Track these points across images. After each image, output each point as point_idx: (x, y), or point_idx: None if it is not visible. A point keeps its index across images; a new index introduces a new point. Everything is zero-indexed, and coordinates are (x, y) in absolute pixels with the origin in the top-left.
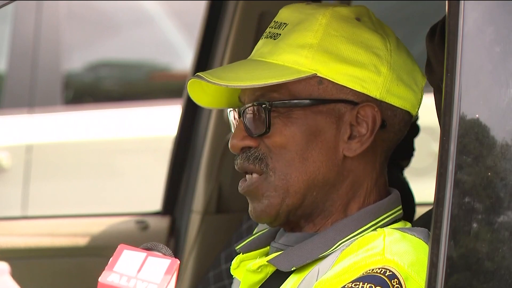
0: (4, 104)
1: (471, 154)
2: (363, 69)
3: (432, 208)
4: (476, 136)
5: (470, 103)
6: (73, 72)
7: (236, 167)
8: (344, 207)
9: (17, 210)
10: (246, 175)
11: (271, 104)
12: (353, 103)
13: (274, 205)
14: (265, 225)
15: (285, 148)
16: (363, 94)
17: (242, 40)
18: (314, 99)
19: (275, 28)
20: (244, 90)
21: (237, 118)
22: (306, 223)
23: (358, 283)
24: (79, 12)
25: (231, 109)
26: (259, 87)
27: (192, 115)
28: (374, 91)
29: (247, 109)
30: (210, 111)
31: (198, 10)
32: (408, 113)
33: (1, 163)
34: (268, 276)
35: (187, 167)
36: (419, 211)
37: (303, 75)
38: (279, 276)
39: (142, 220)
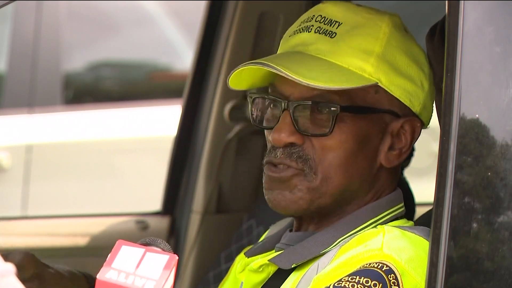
0: (4, 104)
1: (471, 154)
2: (412, 83)
3: (432, 208)
4: (476, 136)
5: (470, 103)
6: (73, 72)
7: (273, 160)
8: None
9: (17, 210)
10: (280, 165)
11: (342, 108)
12: (397, 115)
13: (307, 200)
14: (272, 232)
15: (335, 152)
16: (407, 107)
17: (242, 40)
18: (369, 107)
19: (324, 24)
20: (294, 83)
21: (280, 111)
22: (318, 221)
23: (354, 276)
24: (79, 12)
25: (259, 96)
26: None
27: (192, 115)
28: (417, 106)
29: (301, 105)
30: (210, 111)
31: (198, 10)
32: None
33: (1, 163)
34: (270, 276)
35: (187, 167)
36: (419, 211)
37: (368, 83)
38: (281, 275)
39: (142, 220)
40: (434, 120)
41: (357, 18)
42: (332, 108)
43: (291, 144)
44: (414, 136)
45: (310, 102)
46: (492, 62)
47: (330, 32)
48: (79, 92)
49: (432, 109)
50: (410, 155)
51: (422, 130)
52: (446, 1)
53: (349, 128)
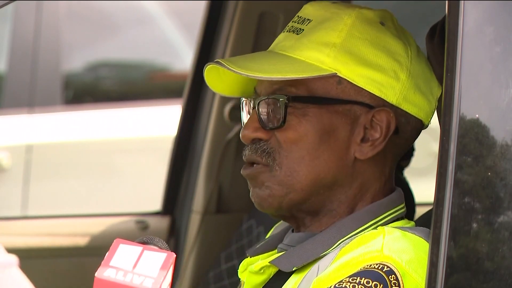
0: (4, 104)
1: (471, 154)
2: (382, 73)
3: (432, 208)
4: (476, 136)
5: (470, 103)
6: (73, 72)
7: (243, 158)
8: (351, 209)
9: (17, 210)
10: (249, 163)
11: (289, 99)
12: (369, 106)
13: (276, 196)
14: (277, 229)
15: (297, 144)
16: (380, 98)
17: (242, 40)
18: (332, 98)
19: (298, 23)
20: (261, 82)
21: (251, 109)
22: (311, 222)
23: (355, 277)
24: (79, 12)
25: (245, 99)
26: (278, 81)
27: (192, 115)
28: (391, 97)
29: (262, 101)
30: (210, 111)
31: (198, 10)
32: (420, 121)
33: (1, 163)
34: (270, 277)
35: (187, 167)
36: (419, 211)
37: (323, 73)
38: (281, 276)
39: (142, 220)
40: (434, 120)
41: (325, 14)
42: (280, 99)
43: (258, 140)
44: (390, 127)
45: (266, 97)
46: (492, 62)
47: (298, 29)
48: (79, 92)
49: (427, 104)
50: (410, 155)
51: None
52: (446, 1)
53: (311, 121)
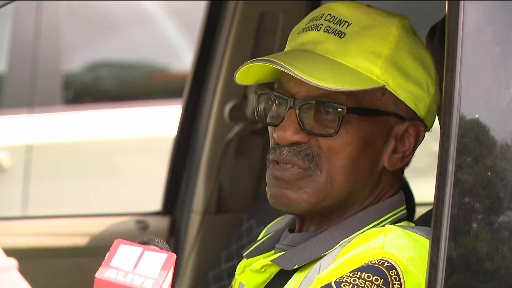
0: (4, 104)
1: (471, 154)
2: (419, 87)
3: (432, 208)
4: (476, 136)
5: (470, 103)
6: (73, 72)
7: (279, 157)
8: (360, 211)
9: (17, 210)
10: (284, 164)
11: (349, 110)
12: (403, 118)
13: (312, 202)
14: (270, 230)
15: (340, 153)
16: (412, 111)
17: (242, 40)
18: (376, 109)
19: (334, 23)
20: (301, 82)
21: (286, 110)
22: (320, 222)
23: (356, 272)
24: (79, 12)
25: (265, 92)
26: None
27: (192, 115)
28: (422, 110)
29: (307, 104)
30: (210, 111)
31: (198, 10)
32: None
33: (1, 163)
34: (272, 276)
35: (187, 167)
36: (419, 211)
37: (375, 85)
38: (283, 275)
39: (142, 220)
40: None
41: (367, 19)
42: (339, 109)
43: (297, 143)
44: (418, 140)
45: (316, 102)
46: (492, 62)
47: (340, 32)
48: (79, 92)
49: (436, 113)
50: None
51: None
52: (446, 1)
53: (355, 130)
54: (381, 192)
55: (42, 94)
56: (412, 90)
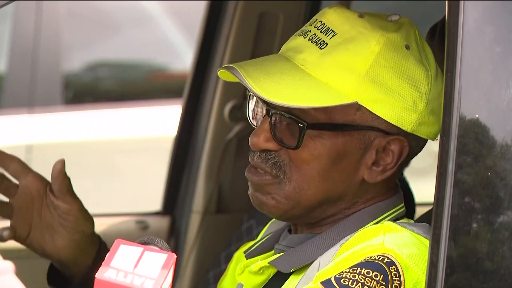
0: (4, 104)
1: (471, 154)
2: (402, 103)
3: (432, 208)
4: (476, 136)
5: (470, 103)
6: (73, 72)
7: (250, 160)
8: (352, 214)
9: None
10: (256, 169)
11: (309, 126)
12: (385, 132)
13: (280, 208)
14: (271, 230)
15: (309, 164)
16: (396, 126)
17: (242, 40)
18: (349, 124)
19: (321, 31)
20: None
21: (262, 112)
22: (310, 227)
23: (355, 268)
24: (79, 12)
25: (252, 94)
26: None
27: (192, 115)
28: (407, 126)
29: (278, 114)
30: (210, 111)
31: (198, 10)
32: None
33: None
34: (270, 277)
35: (187, 167)
36: (419, 211)
37: (345, 102)
38: (281, 276)
39: (142, 220)
40: None
41: (350, 31)
42: (300, 125)
43: (267, 150)
44: (402, 154)
45: (280, 114)
46: (492, 62)
47: (322, 42)
48: (79, 92)
49: (438, 123)
50: None
51: None
52: (446, 1)
53: (325, 143)
54: (372, 198)
55: (42, 94)
56: (392, 106)
